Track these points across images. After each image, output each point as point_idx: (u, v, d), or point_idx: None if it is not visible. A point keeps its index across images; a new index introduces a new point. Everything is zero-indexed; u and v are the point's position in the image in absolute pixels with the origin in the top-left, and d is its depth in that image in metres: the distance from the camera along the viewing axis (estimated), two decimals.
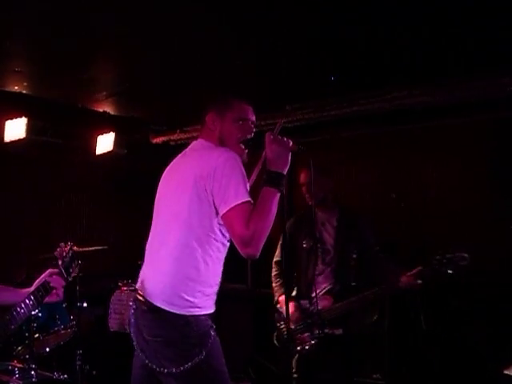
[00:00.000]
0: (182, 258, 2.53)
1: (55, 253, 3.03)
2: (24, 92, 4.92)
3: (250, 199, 2.44)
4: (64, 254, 3.01)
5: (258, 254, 2.44)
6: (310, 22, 3.50)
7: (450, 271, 3.64)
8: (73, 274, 3.05)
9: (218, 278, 2.67)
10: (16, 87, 4.79)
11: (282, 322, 4.07)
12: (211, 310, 2.64)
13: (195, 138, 2.90)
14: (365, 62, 4.22)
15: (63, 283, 2.95)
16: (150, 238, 2.75)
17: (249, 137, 2.76)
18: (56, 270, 2.93)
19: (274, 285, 4.24)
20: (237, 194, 2.43)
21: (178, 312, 2.49)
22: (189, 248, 2.53)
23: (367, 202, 5.50)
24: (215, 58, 4.14)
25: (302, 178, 4.16)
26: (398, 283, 3.73)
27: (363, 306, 3.86)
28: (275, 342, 4.15)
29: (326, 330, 3.87)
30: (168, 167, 2.82)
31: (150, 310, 2.54)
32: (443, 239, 4.99)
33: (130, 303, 2.68)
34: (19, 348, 4.27)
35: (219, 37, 3.73)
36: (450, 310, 4.84)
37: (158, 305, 2.51)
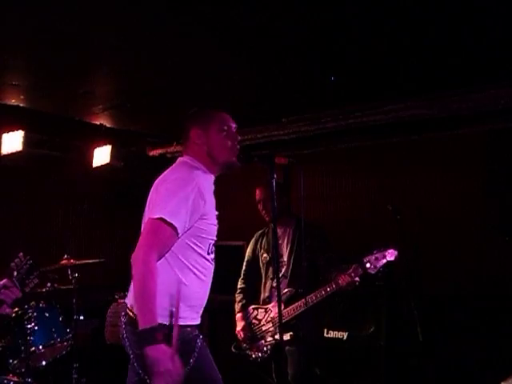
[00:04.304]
0: (162, 273, 2.48)
1: (12, 264, 3.01)
2: (21, 105, 4.93)
3: (170, 221, 2.43)
4: (21, 265, 3.00)
5: (133, 269, 2.41)
6: (306, 34, 3.53)
7: (381, 269, 3.80)
8: (30, 286, 3.03)
9: (204, 290, 2.69)
10: (13, 100, 4.81)
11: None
12: (195, 322, 2.64)
13: None
14: (361, 74, 4.25)
15: (13, 296, 2.94)
16: None
17: (236, 143, 2.78)
18: (9, 281, 2.93)
19: (236, 299, 4.43)
20: (158, 208, 2.46)
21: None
22: (164, 264, 2.53)
23: (363, 214, 5.51)
24: (211, 71, 4.16)
25: (258, 195, 4.27)
26: (338, 283, 3.81)
27: (309, 309, 3.90)
28: (233, 349, 4.27)
29: (276, 337, 4.01)
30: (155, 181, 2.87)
31: (134, 322, 2.52)
32: (440, 251, 5.01)
33: (121, 317, 2.68)
34: (15, 361, 4.25)
35: (215, 50, 3.75)
36: (447, 322, 4.84)
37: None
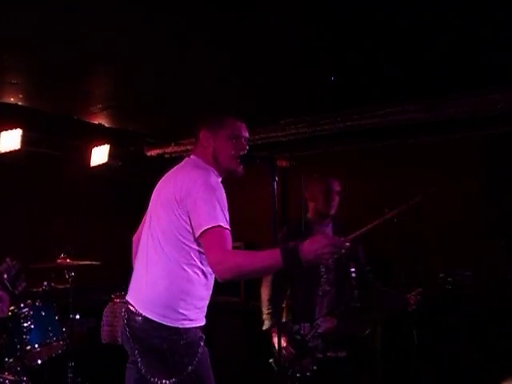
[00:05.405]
0: (175, 273, 2.57)
1: (0, 268, 3.04)
2: (20, 104, 4.94)
3: (222, 224, 2.46)
4: (9, 268, 3.02)
5: (227, 277, 2.44)
6: (305, 38, 3.54)
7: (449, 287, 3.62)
8: (19, 289, 3.06)
9: (209, 292, 2.72)
10: (12, 99, 4.81)
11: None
12: (202, 323, 2.68)
13: (189, 151, 2.94)
14: (359, 78, 4.26)
15: (8, 298, 2.97)
16: (140, 250, 2.78)
17: (242, 153, 2.79)
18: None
19: (264, 310, 3.94)
20: (209, 218, 2.47)
21: (169, 324, 2.52)
22: (179, 263, 2.57)
23: (360, 217, 5.51)
24: (211, 72, 4.17)
25: (338, 186, 4.06)
26: (409, 304, 3.64)
27: (370, 328, 3.81)
28: (273, 365, 3.80)
29: (329, 354, 3.67)
30: (160, 181, 2.85)
31: (141, 321, 2.56)
32: (437, 255, 5.01)
33: (123, 314, 2.70)
34: (10, 360, 4.23)
35: (214, 53, 3.76)
36: (443, 325, 4.84)
37: (150, 316, 2.54)
